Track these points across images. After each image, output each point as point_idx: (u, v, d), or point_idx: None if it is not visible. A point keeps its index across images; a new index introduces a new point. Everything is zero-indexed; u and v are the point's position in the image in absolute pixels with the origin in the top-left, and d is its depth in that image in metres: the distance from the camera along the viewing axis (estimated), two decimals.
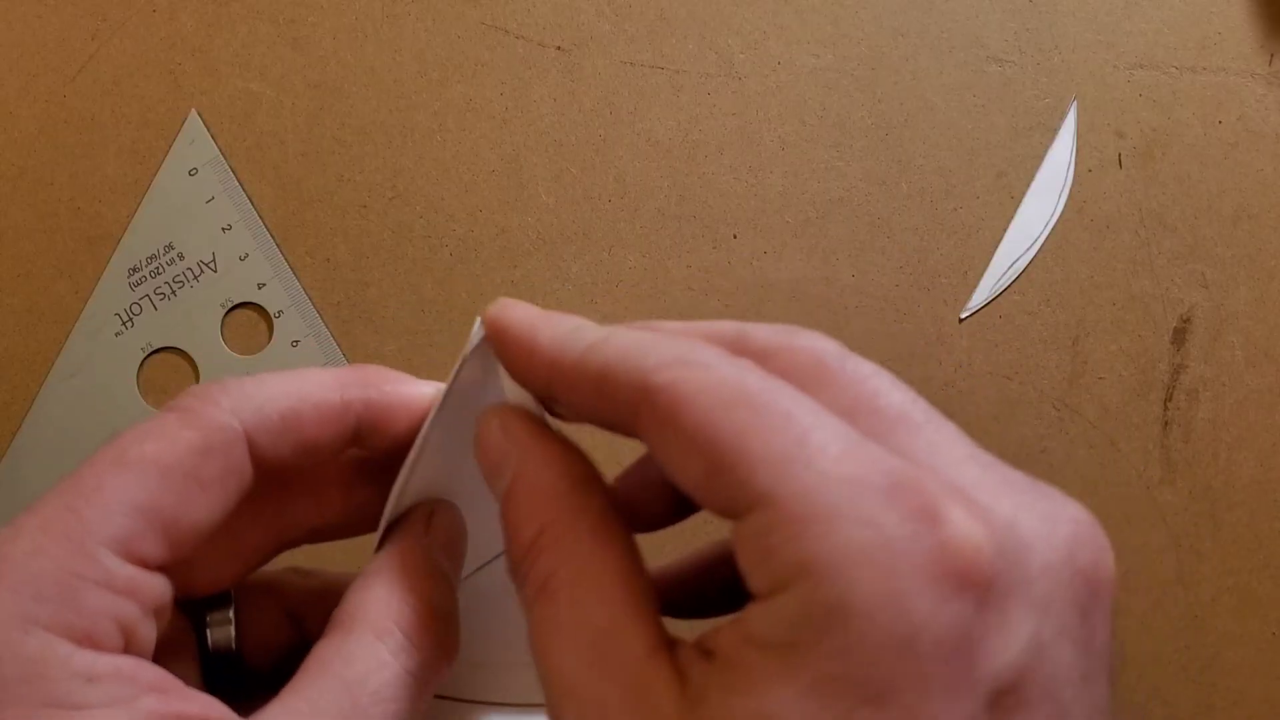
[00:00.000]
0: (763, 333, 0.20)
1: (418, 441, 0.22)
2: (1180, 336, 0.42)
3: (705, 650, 0.17)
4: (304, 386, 0.21)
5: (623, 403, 0.18)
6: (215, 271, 0.41)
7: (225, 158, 0.42)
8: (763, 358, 0.19)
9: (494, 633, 0.25)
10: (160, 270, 0.41)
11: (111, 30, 0.42)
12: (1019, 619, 0.16)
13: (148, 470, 0.19)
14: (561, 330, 0.20)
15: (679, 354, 0.18)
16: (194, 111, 0.42)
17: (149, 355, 0.41)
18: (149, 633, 0.20)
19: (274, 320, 0.41)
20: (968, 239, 0.42)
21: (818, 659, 0.15)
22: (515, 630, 0.22)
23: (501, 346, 0.21)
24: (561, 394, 0.20)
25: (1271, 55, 0.44)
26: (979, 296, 0.42)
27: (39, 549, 0.18)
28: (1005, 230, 0.42)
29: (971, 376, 0.42)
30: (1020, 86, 0.43)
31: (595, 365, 0.18)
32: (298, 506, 0.23)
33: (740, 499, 0.16)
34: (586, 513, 0.19)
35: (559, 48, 0.43)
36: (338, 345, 0.41)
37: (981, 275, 0.42)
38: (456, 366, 0.22)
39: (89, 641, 0.18)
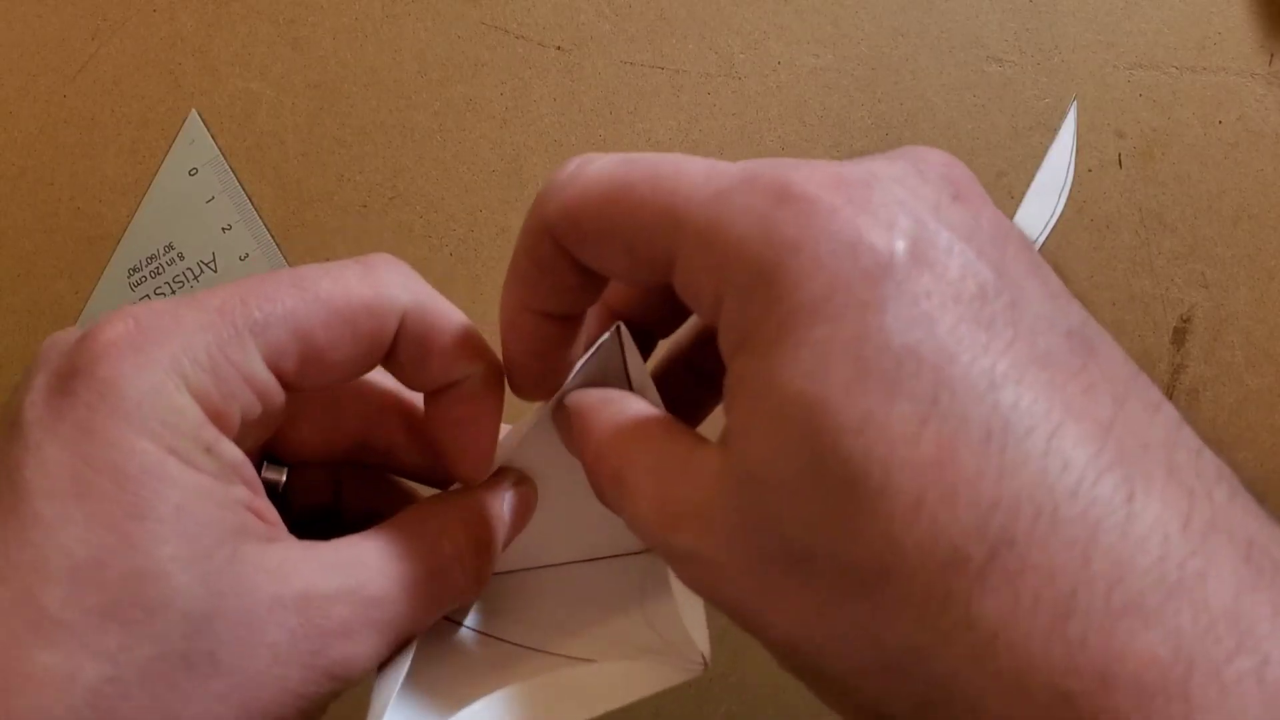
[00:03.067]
0: None
1: (533, 418, 0.24)
2: (1180, 336, 0.42)
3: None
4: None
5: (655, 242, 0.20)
6: (215, 271, 0.41)
7: (225, 158, 0.42)
8: None
9: (535, 620, 0.26)
10: (160, 270, 0.41)
11: (111, 30, 0.42)
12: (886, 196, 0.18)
13: (319, 302, 0.21)
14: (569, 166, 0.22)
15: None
16: (194, 111, 0.42)
17: None
18: (255, 437, 0.22)
19: None
20: None
21: (774, 323, 0.17)
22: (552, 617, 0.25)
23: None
24: (589, 230, 0.21)
25: (1271, 55, 0.44)
26: None
27: (207, 324, 0.20)
28: None
29: None
30: (1020, 86, 0.43)
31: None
32: (388, 423, 0.25)
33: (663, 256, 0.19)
34: (662, 429, 0.21)
35: (559, 48, 0.43)
36: None
37: None
38: (581, 361, 0.23)
39: (216, 419, 0.20)
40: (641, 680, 0.23)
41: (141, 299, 0.41)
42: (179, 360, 0.20)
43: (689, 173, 0.19)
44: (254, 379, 0.21)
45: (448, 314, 0.23)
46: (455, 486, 0.25)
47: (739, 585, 0.18)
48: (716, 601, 0.19)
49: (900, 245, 0.17)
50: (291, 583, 0.20)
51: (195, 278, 0.41)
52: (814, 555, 0.16)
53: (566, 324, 0.22)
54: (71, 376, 0.19)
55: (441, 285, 0.41)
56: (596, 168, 0.20)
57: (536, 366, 0.23)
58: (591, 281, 0.21)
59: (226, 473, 0.20)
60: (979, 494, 0.15)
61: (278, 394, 0.21)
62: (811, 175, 0.18)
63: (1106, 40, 0.44)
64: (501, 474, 0.25)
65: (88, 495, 0.18)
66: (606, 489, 0.21)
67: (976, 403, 0.16)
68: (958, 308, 0.16)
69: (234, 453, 0.20)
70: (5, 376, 0.41)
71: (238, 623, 0.19)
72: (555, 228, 0.20)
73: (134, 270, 0.41)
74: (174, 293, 0.41)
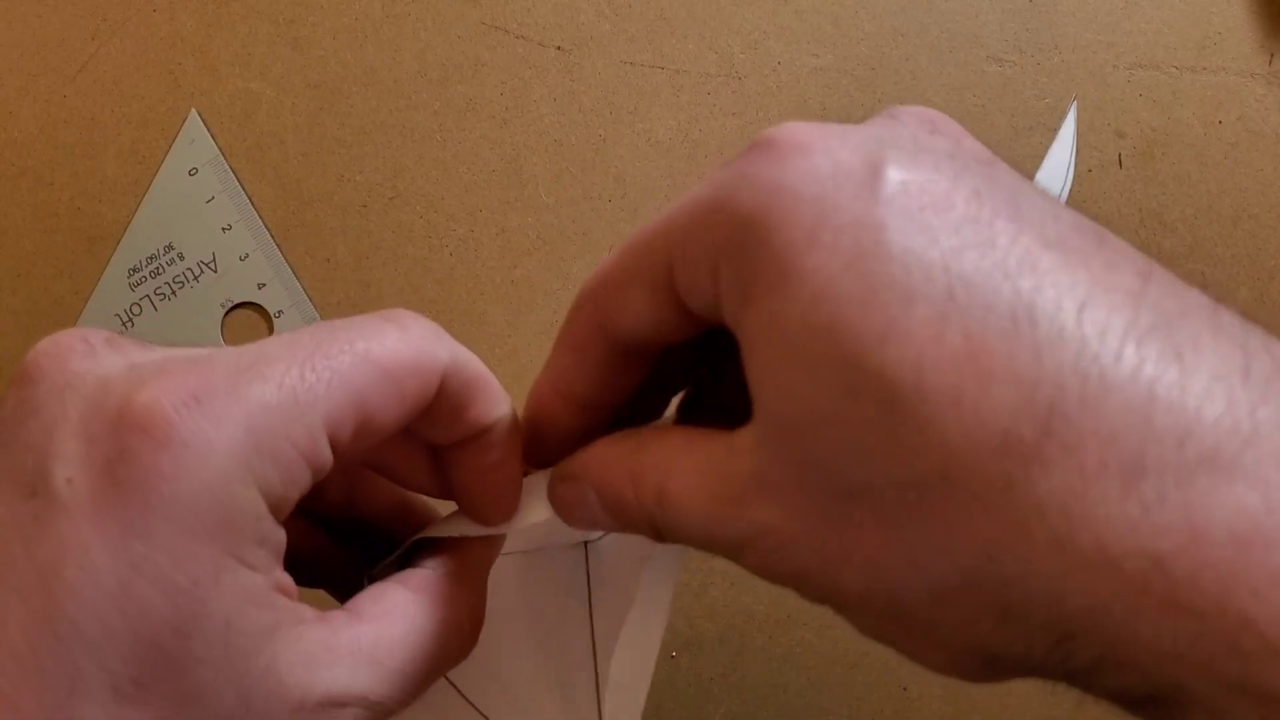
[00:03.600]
0: None
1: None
2: None
3: None
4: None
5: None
6: (215, 271, 0.41)
7: (225, 158, 0.42)
8: None
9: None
10: (160, 270, 0.41)
11: (111, 30, 0.42)
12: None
13: (370, 364, 0.20)
14: None
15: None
16: (194, 111, 0.42)
17: None
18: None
19: (274, 320, 0.41)
20: None
21: (761, 269, 0.17)
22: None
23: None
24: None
25: (1271, 55, 0.44)
26: None
27: (272, 403, 0.18)
28: None
29: None
30: (1020, 86, 0.43)
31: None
32: (416, 463, 0.24)
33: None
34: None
35: (559, 48, 0.43)
36: None
37: None
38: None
39: (275, 507, 0.19)
40: None
41: (142, 298, 0.41)
42: (244, 450, 0.18)
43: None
44: (315, 457, 0.19)
45: (480, 367, 0.23)
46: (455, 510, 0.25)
47: (807, 545, 0.17)
48: (790, 576, 0.18)
49: (884, 165, 0.16)
50: (314, 686, 0.19)
51: (195, 278, 0.41)
52: (869, 484, 0.16)
53: (596, 413, 0.22)
54: (121, 462, 0.17)
55: (441, 285, 0.42)
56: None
57: (557, 449, 0.23)
58: (624, 364, 0.21)
59: (272, 561, 0.19)
60: (1018, 374, 0.15)
61: (329, 464, 0.20)
62: (784, 127, 0.18)
63: (1106, 40, 0.44)
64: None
65: (134, 609, 0.17)
66: (654, 512, 0.20)
67: (995, 291, 0.15)
68: (954, 211, 0.16)
69: (282, 537, 0.19)
70: (5, 377, 0.41)
71: None
72: (591, 294, 0.20)
73: (134, 270, 0.41)
74: (174, 293, 0.41)
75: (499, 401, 0.23)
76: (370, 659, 0.20)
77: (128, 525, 0.17)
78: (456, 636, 0.22)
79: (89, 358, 0.19)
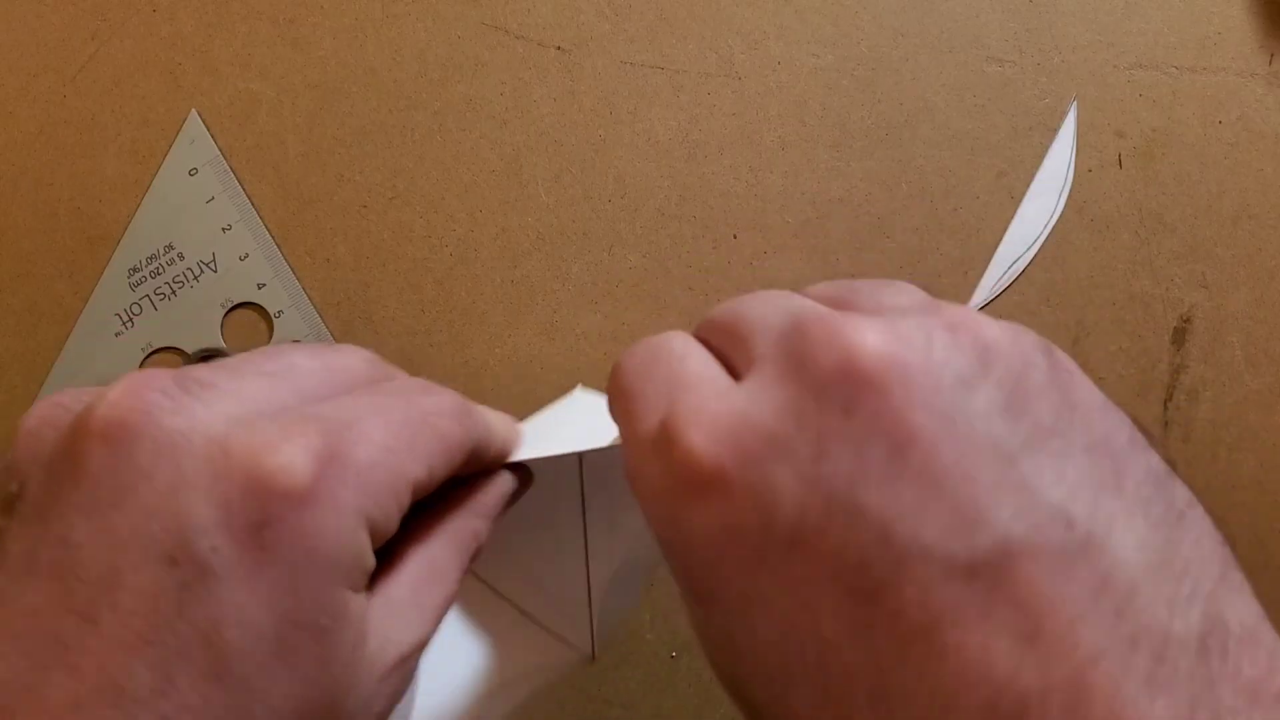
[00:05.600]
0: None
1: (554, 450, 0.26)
2: (1180, 336, 0.42)
3: None
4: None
5: None
6: (215, 271, 0.41)
7: (225, 158, 0.42)
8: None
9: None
10: (160, 270, 0.41)
11: (111, 30, 0.42)
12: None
13: (439, 440, 0.22)
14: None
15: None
16: (194, 111, 0.42)
17: (149, 355, 0.41)
18: None
19: (274, 320, 0.41)
20: (968, 239, 0.42)
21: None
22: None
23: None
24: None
25: (1271, 55, 0.44)
26: (979, 296, 0.42)
27: (379, 464, 0.20)
28: (1005, 230, 0.42)
29: None
30: (1020, 86, 0.43)
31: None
32: None
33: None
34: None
35: (559, 48, 0.43)
36: None
37: (981, 275, 0.42)
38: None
39: (375, 540, 0.21)
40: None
41: (142, 298, 0.41)
42: (361, 501, 0.20)
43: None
44: (404, 502, 0.21)
45: (493, 430, 0.25)
46: None
47: None
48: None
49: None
50: (390, 653, 0.21)
51: (195, 278, 0.41)
52: None
53: None
54: (267, 526, 0.19)
55: (441, 285, 0.42)
56: None
57: None
58: None
59: (369, 576, 0.21)
60: None
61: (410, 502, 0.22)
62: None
63: (1106, 40, 0.44)
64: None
65: (290, 653, 0.19)
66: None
67: None
68: None
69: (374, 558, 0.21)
70: (5, 377, 0.41)
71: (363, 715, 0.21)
72: None
73: (134, 270, 0.41)
74: (174, 293, 0.41)
75: (504, 448, 0.26)
76: (415, 604, 0.22)
77: (276, 582, 0.19)
78: (466, 560, 0.24)
79: (177, 412, 0.19)
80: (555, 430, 0.27)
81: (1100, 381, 0.42)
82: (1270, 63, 0.44)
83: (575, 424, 0.28)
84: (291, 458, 0.19)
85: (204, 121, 0.42)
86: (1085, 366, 0.43)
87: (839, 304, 0.21)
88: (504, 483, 0.26)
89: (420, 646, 0.22)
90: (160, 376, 0.20)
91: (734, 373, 0.20)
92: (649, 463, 0.19)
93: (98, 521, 0.18)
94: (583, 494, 0.29)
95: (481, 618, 0.28)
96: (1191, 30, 0.44)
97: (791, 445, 0.17)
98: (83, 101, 0.42)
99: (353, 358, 0.24)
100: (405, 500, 0.21)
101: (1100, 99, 0.43)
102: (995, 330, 0.18)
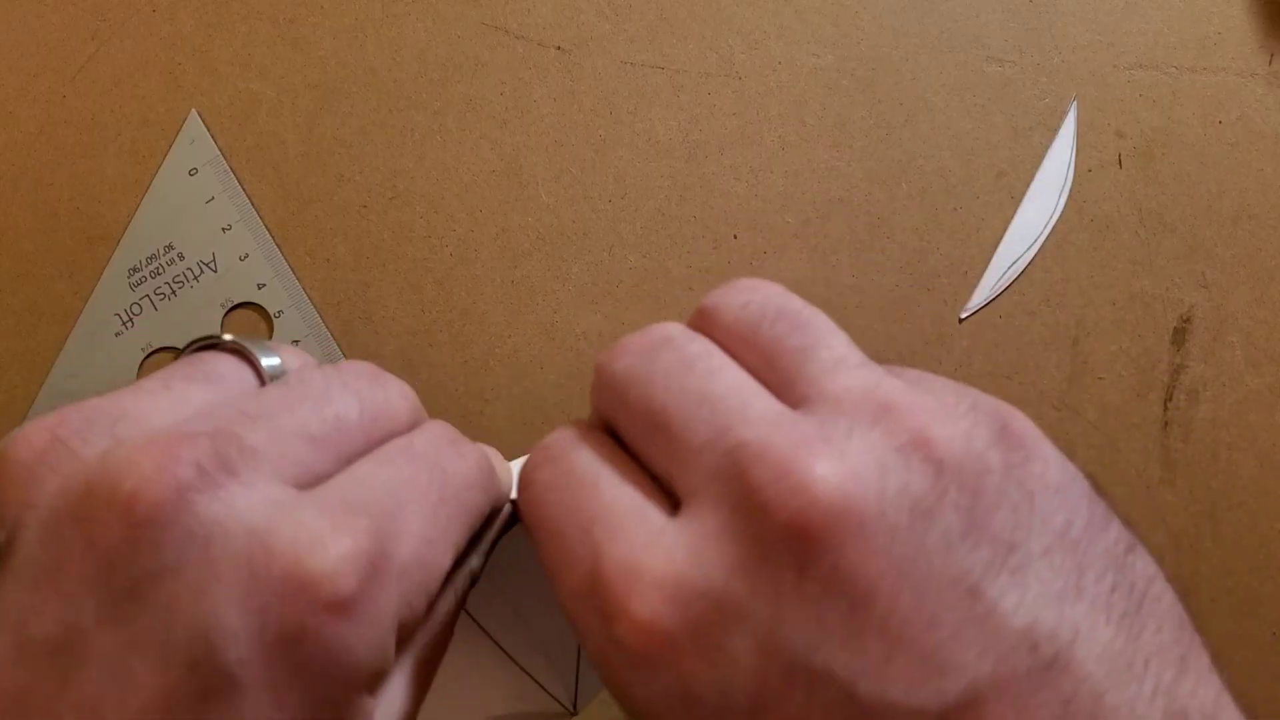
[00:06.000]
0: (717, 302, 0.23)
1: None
2: (1180, 336, 0.42)
3: None
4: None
5: None
6: (215, 271, 0.41)
7: (225, 158, 0.42)
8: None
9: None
10: (160, 270, 0.41)
11: (111, 30, 0.42)
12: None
13: (468, 516, 0.21)
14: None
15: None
16: (194, 111, 0.42)
17: (149, 355, 0.41)
18: None
19: (274, 320, 0.41)
20: (968, 239, 0.42)
21: None
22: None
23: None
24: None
25: (1271, 55, 0.44)
26: (979, 296, 0.42)
27: (418, 562, 0.19)
28: (1005, 230, 0.42)
29: (971, 376, 0.42)
30: (1020, 86, 0.43)
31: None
32: None
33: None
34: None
35: (559, 48, 0.43)
36: (338, 345, 0.41)
37: (981, 275, 0.42)
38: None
39: (401, 629, 0.19)
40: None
41: (142, 298, 0.41)
42: (403, 603, 0.19)
43: None
44: (434, 593, 0.20)
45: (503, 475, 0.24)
46: None
47: None
48: None
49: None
50: None
51: (195, 278, 0.41)
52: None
53: None
54: (301, 641, 0.17)
55: (441, 285, 0.42)
56: None
57: None
58: None
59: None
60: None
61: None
62: None
63: (1106, 40, 0.44)
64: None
65: None
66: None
67: None
68: None
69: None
70: (5, 377, 0.41)
71: None
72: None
73: (134, 270, 0.41)
74: (174, 293, 0.41)
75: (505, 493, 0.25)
76: (414, 672, 0.21)
77: (302, 696, 0.17)
78: (460, 603, 0.24)
79: (215, 496, 0.17)
80: None
81: (1100, 381, 0.42)
82: (1270, 63, 0.44)
83: None
84: (340, 564, 0.17)
85: (204, 121, 0.42)
86: (1085, 366, 0.43)
87: (771, 370, 0.19)
88: (502, 517, 0.25)
89: (415, 711, 0.21)
90: (195, 444, 0.17)
91: (661, 483, 0.19)
92: (586, 617, 0.18)
93: (110, 609, 0.16)
94: None
95: (463, 655, 0.27)
96: (1191, 30, 0.44)
97: (744, 610, 0.16)
98: (83, 101, 0.42)
99: (397, 400, 0.22)
100: (435, 591, 0.20)
101: (1100, 99, 0.43)
102: (946, 436, 0.17)
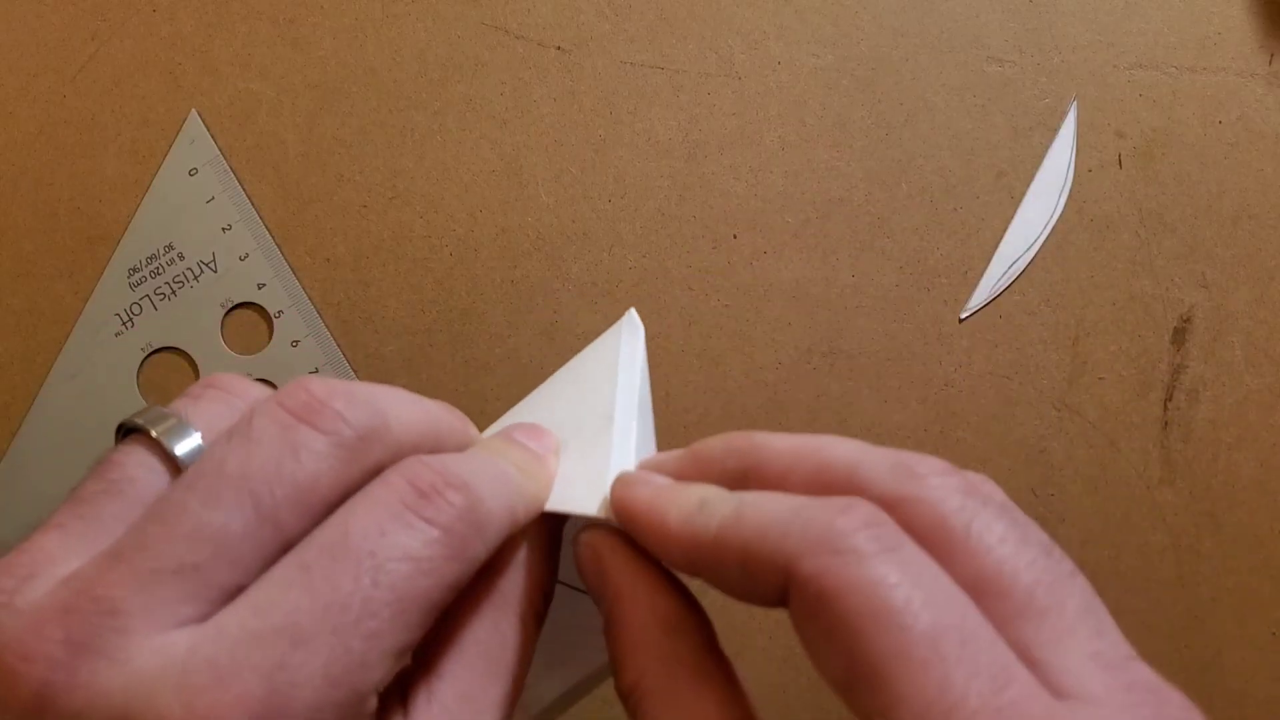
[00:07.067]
0: (880, 473, 0.20)
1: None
2: (1180, 336, 0.42)
3: None
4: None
5: (768, 584, 0.19)
6: (215, 271, 0.41)
7: (225, 158, 0.42)
8: (884, 507, 0.19)
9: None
10: (160, 270, 0.41)
11: (111, 30, 0.42)
12: None
13: (417, 618, 0.19)
14: (688, 507, 0.20)
15: (822, 537, 0.18)
16: (194, 111, 0.42)
17: (149, 355, 0.41)
18: None
19: (274, 320, 0.41)
20: (968, 239, 0.42)
21: None
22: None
23: (633, 531, 0.21)
24: (704, 573, 0.20)
25: (1271, 55, 0.44)
26: (979, 296, 0.42)
27: (329, 702, 0.18)
28: (1005, 230, 0.42)
29: (971, 376, 0.42)
30: (1020, 86, 0.43)
31: (735, 547, 0.19)
32: None
33: (875, 713, 0.17)
34: (681, 663, 0.20)
35: (559, 48, 0.43)
36: (338, 345, 0.41)
37: (981, 275, 0.42)
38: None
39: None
40: None
41: (142, 298, 0.41)
42: (400, 641, 0.18)
43: None
44: (388, 675, 0.19)
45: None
46: None
47: None
48: None
49: None
50: None
51: (195, 278, 0.41)
52: None
53: None
54: None
55: (441, 285, 0.42)
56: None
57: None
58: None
59: None
60: None
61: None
62: None
63: (1106, 40, 0.44)
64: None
65: None
66: None
67: None
68: None
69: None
70: (5, 377, 0.41)
71: None
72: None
73: (134, 270, 0.41)
74: (174, 293, 0.41)
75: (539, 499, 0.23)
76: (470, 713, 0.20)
77: None
78: (535, 631, 0.23)
79: (72, 682, 0.16)
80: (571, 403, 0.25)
81: (1100, 381, 0.42)
82: (1270, 63, 0.44)
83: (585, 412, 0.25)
84: None
85: (204, 121, 0.42)
86: (1085, 366, 0.43)
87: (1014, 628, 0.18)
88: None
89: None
90: (50, 633, 0.17)
91: None
92: None
93: None
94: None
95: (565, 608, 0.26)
96: (1191, 30, 0.44)
97: None
98: (83, 101, 0.42)
99: (325, 464, 0.19)
100: (386, 675, 0.18)
101: (1100, 99, 0.43)
102: None
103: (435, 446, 0.22)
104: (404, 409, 0.21)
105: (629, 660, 0.20)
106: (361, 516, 0.19)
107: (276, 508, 0.18)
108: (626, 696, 0.20)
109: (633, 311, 0.25)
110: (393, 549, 0.18)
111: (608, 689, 0.23)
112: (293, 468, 0.19)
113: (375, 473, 0.20)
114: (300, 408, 0.19)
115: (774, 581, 0.18)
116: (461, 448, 0.23)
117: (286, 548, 0.18)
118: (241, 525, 0.18)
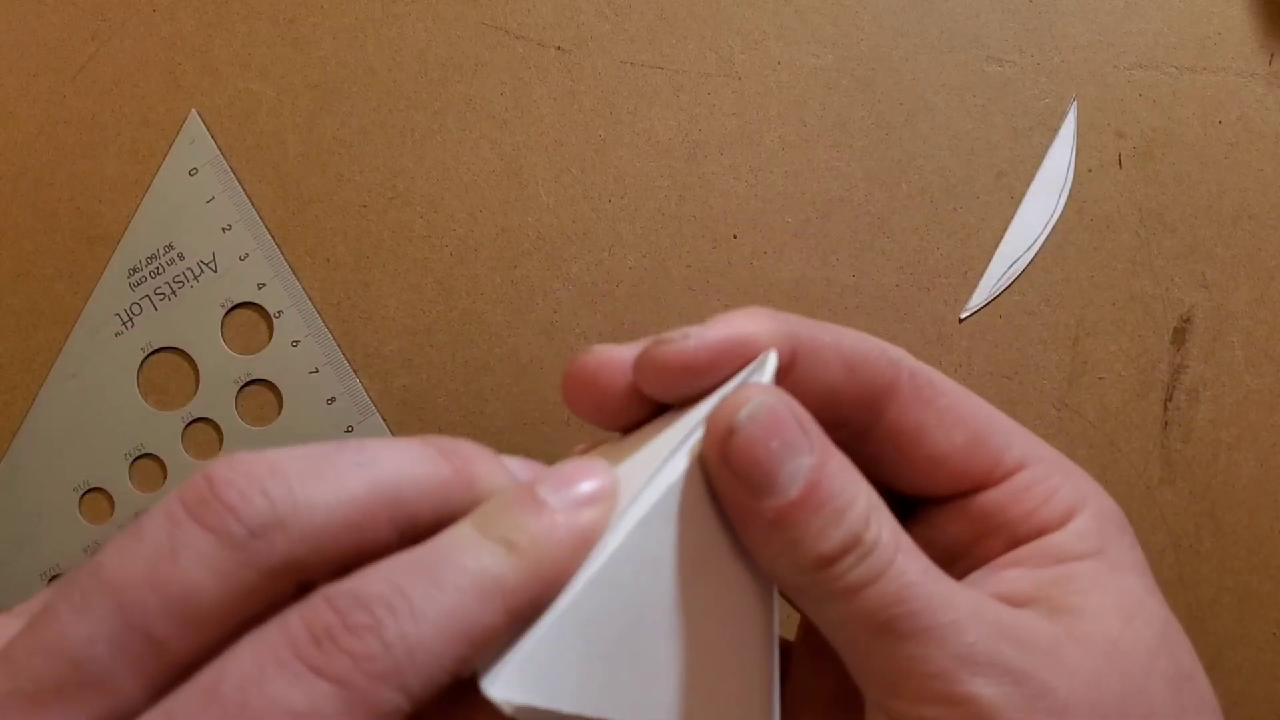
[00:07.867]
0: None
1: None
2: (1180, 336, 0.42)
3: (1007, 597, 0.21)
4: None
5: (874, 383, 0.22)
6: (215, 271, 0.41)
7: (225, 158, 0.42)
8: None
9: None
10: (160, 270, 0.41)
11: (111, 30, 0.42)
12: None
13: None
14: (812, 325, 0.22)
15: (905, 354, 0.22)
16: (194, 111, 0.42)
17: (149, 355, 0.41)
18: None
19: (274, 320, 0.41)
20: (968, 239, 0.42)
21: (1125, 549, 0.23)
22: None
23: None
24: (814, 372, 0.22)
25: (1271, 55, 0.44)
26: (979, 296, 0.42)
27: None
28: (1005, 230, 0.42)
29: (971, 376, 0.42)
30: (1020, 86, 0.43)
31: (847, 348, 0.22)
32: None
33: (1000, 464, 0.22)
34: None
35: (559, 48, 0.43)
36: (338, 345, 0.41)
37: (981, 275, 0.42)
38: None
39: None
40: None
41: (142, 298, 0.41)
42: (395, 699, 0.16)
43: None
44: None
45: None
46: None
47: None
48: None
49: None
50: None
51: (195, 278, 0.41)
52: None
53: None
54: None
55: (441, 285, 0.42)
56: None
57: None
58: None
59: None
60: None
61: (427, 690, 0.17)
62: None
63: (1106, 40, 0.44)
64: None
65: None
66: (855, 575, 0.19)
67: None
68: None
69: None
70: (5, 377, 0.41)
71: None
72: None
73: (134, 270, 0.41)
74: (174, 293, 0.41)
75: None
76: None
77: None
78: None
79: None
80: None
81: (1100, 381, 0.42)
82: (1270, 63, 0.44)
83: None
84: None
85: (204, 121, 0.42)
86: (1085, 366, 0.43)
87: None
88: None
89: None
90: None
91: None
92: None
93: None
94: None
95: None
96: (1191, 30, 0.44)
97: None
98: (83, 101, 0.42)
99: (203, 579, 0.16)
100: None
101: (1100, 99, 0.43)
102: None
103: (396, 517, 0.17)
104: (334, 486, 0.17)
105: (856, 502, 0.19)
106: (244, 660, 0.16)
107: (148, 621, 0.15)
108: (847, 551, 0.18)
109: (772, 352, 0.21)
110: (269, 704, 0.15)
111: None
112: (169, 572, 0.16)
113: (297, 574, 0.17)
114: (193, 500, 0.16)
115: (882, 378, 0.22)
116: (464, 504, 0.19)
117: (180, 670, 0.16)
118: (107, 641, 0.15)
